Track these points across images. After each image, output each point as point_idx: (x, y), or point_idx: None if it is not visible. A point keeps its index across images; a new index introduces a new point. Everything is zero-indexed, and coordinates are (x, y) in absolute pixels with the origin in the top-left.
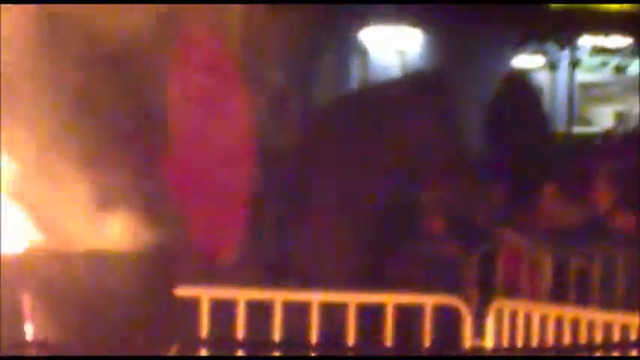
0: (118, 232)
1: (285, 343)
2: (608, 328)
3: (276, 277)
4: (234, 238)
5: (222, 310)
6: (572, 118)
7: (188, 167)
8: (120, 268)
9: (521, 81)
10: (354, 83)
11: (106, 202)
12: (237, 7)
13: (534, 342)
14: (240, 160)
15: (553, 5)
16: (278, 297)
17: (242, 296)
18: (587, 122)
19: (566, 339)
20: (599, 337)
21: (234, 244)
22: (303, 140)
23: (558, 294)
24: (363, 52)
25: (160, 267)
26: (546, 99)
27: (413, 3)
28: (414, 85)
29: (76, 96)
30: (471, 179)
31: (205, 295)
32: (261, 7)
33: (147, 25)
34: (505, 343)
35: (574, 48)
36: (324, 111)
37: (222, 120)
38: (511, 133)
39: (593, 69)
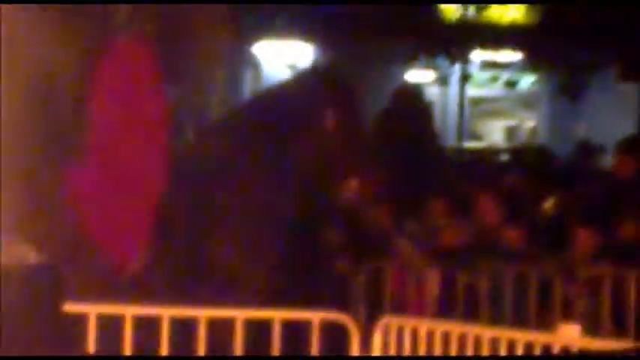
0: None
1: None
2: (495, 343)
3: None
4: (141, 245)
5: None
6: (463, 132)
7: (96, 172)
8: (7, 284)
9: (410, 94)
10: (246, 96)
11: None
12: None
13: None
14: (148, 167)
15: (444, 15)
16: (165, 313)
17: (129, 312)
18: (477, 137)
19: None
20: (485, 353)
21: (140, 251)
22: (207, 147)
23: (446, 310)
24: (255, 66)
25: (49, 283)
26: (437, 113)
27: (305, 17)
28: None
29: None
30: (364, 191)
31: (93, 311)
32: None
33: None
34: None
35: (464, 62)
36: (221, 121)
37: (133, 126)
38: (400, 146)
39: (484, 84)
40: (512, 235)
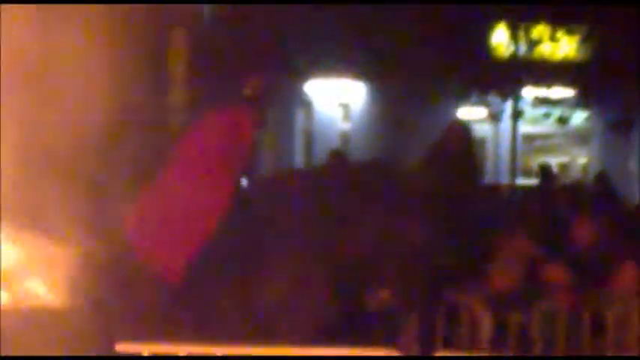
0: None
1: None
2: None
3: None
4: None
5: None
6: (515, 169)
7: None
8: (58, 325)
9: (457, 128)
10: (298, 134)
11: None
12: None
13: None
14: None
15: (496, 52)
16: (217, 352)
17: (182, 351)
18: (530, 174)
19: None
20: None
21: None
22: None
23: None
24: (307, 105)
25: (99, 322)
26: (489, 150)
27: (356, 55)
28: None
29: None
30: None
31: (146, 350)
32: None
33: None
34: None
35: (516, 99)
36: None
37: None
38: (444, 180)
39: (536, 120)
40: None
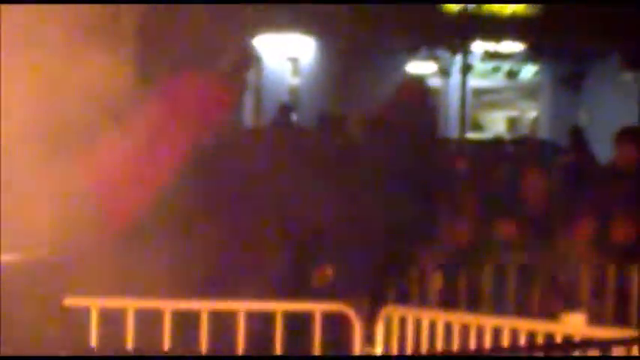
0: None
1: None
2: (497, 333)
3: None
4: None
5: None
6: (465, 123)
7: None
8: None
9: (415, 87)
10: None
11: None
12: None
13: (423, 348)
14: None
15: (445, 9)
16: (167, 306)
17: (131, 305)
18: (480, 128)
19: (455, 345)
20: (487, 343)
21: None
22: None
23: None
24: (257, 59)
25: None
26: (439, 105)
27: (305, 10)
28: None
29: None
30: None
31: (95, 304)
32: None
33: None
34: (394, 349)
35: (466, 53)
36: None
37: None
38: (401, 138)
39: (486, 74)
40: (509, 228)
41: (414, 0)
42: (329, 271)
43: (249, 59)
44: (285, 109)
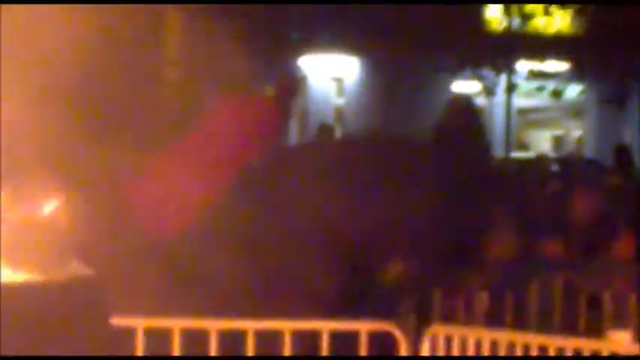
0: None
1: None
2: (543, 351)
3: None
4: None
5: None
6: (510, 142)
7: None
8: (52, 298)
9: (464, 105)
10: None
11: None
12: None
13: None
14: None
15: (489, 28)
16: (213, 326)
17: (177, 325)
18: (525, 147)
19: None
20: None
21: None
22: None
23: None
24: (303, 82)
25: (95, 296)
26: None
27: (349, 30)
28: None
29: None
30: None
31: (140, 324)
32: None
33: None
34: None
35: (510, 72)
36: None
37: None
38: (456, 157)
39: (530, 94)
40: (555, 247)
41: (459, 19)
42: (401, 266)
43: (297, 85)
44: (326, 129)
